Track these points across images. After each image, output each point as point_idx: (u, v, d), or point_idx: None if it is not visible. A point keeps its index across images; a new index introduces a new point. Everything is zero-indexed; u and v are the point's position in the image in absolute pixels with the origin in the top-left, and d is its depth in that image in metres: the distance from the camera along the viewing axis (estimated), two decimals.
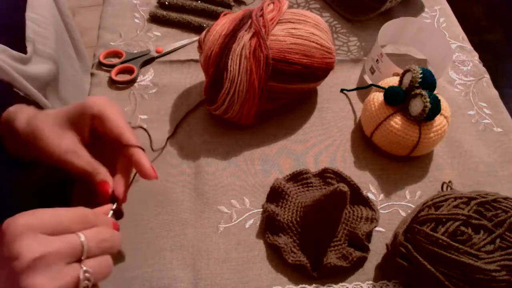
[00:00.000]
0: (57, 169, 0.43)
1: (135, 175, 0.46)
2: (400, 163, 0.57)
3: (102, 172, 0.42)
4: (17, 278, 0.30)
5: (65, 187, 0.52)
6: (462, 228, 0.42)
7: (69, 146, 0.41)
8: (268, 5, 0.57)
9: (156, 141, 0.57)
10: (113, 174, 0.43)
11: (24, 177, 0.50)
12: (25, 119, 0.43)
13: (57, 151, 0.41)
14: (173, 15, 0.70)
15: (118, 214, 0.43)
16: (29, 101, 0.48)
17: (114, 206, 0.42)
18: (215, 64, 0.53)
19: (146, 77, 0.64)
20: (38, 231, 0.31)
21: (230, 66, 0.52)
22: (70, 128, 0.42)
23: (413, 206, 0.53)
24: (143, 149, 0.43)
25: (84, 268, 0.33)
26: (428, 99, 0.50)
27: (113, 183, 0.43)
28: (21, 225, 0.31)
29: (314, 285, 0.47)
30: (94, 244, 0.34)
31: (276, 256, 0.49)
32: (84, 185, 0.51)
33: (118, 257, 0.48)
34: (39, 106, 0.48)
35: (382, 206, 0.54)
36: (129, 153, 0.43)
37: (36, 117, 0.42)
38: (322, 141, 0.59)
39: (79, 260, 0.33)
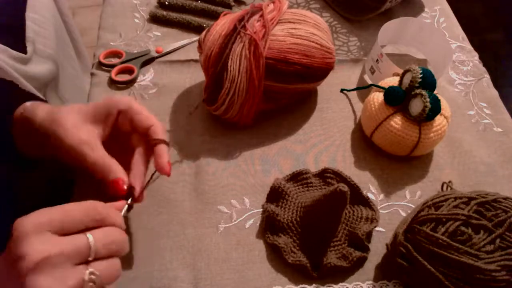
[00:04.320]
0: (60, 169, 0.43)
1: (152, 174, 0.46)
2: (400, 163, 0.57)
3: (115, 170, 0.42)
4: (22, 279, 0.29)
5: (68, 187, 0.52)
6: (462, 228, 0.42)
7: (86, 138, 0.42)
8: (268, 5, 0.57)
9: None
10: (126, 171, 0.44)
11: (29, 177, 0.50)
12: (45, 110, 0.43)
13: (74, 141, 0.41)
14: (173, 15, 0.70)
15: (128, 208, 0.43)
16: (39, 99, 0.49)
17: (129, 202, 0.41)
18: (215, 64, 0.53)
19: (146, 77, 0.64)
20: (46, 229, 0.31)
21: (230, 66, 0.52)
22: (93, 122, 0.43)
23: (413, 206, 0.53)
24: (167, 144, 0.44)
25: (90, 270, 0.32)
26: (428, 99, 0.50)
27: (130, 180, 0.42)
28: (29, 224, 0.31)
29: (314, 285, 0.47)
30: (102, 246, 0.33)
31: (276, 256, 0.49)
32: (84, 185, 0.51)
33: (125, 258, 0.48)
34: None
35: (382, 206, 0.54)
36: (153, 144, 0.44)
37: (60, 109, 0.43)
38: (322, 141, 0.59)
39: (86, 262, 0.33)
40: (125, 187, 0.41)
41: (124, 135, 0.46)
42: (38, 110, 0.44)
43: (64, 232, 0.32)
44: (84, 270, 0.32)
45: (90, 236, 0.33)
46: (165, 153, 0.44)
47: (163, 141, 0.44)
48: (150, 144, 0.44)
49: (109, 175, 0.41)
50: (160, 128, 0.44)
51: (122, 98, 0.45)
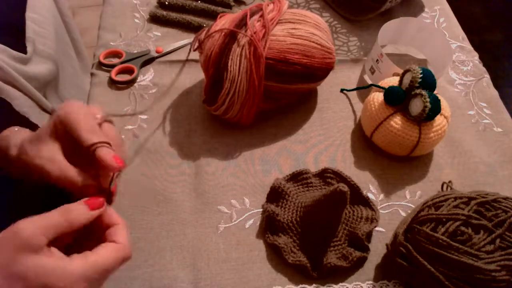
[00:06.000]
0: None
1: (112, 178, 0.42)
2: (400, 163, 0.57)
3: (78, 180, 0.39)
4: None
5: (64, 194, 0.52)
6: (462, 228, 0.42)
7: (46, 155, 0.40)
8: (268, 5, 0.57)
9: (156, 141, 0.57)
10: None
11: (22, 186, 0.50)
12: (17, 147, 0.42)
13: (37, 161, 0.39)
14: (173, 15, 0.70)
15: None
16: (25, 119, 0.48)
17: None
18: (215, 64, 0.53)
19: (146, 77, 0.64)
20: None
21: (230, 66, 0.52)
22: (53, 137, 0.40)
23: (413, 206, 0.53)
24: (108, 143, 0.38)
25: None
26: (428, 99, 0.50)
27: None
28: None
29: (314, 285, 0.47)
30: None
31: (276, 256, 0.49)
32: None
33: None
34: (32, 125, 0.48)
35: (382, 206, 0.54)
36: (92, 152, 0.38)
37: (26, 140, 0.41)
38: (322, 141, 0.59)
39: None
40: (95, 191, 0.39)
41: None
42: (11, 146, 0.43)
43: None
44: None
45: None
46: (104, 152, 0.38)
47: (98, 143, 0.38)
48: (90, 153, 0.38)
49: (76, 185, 0.39)
50: (90, 134, 0.38)
51: (65, 106, 0.40)
